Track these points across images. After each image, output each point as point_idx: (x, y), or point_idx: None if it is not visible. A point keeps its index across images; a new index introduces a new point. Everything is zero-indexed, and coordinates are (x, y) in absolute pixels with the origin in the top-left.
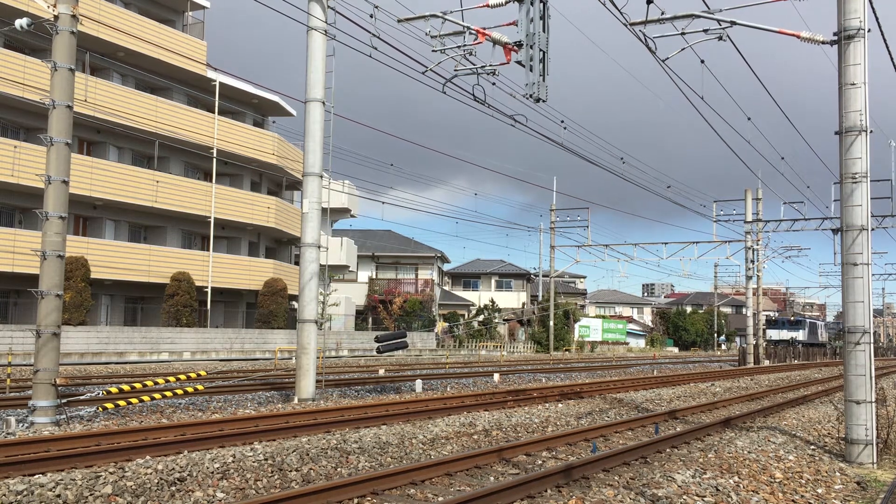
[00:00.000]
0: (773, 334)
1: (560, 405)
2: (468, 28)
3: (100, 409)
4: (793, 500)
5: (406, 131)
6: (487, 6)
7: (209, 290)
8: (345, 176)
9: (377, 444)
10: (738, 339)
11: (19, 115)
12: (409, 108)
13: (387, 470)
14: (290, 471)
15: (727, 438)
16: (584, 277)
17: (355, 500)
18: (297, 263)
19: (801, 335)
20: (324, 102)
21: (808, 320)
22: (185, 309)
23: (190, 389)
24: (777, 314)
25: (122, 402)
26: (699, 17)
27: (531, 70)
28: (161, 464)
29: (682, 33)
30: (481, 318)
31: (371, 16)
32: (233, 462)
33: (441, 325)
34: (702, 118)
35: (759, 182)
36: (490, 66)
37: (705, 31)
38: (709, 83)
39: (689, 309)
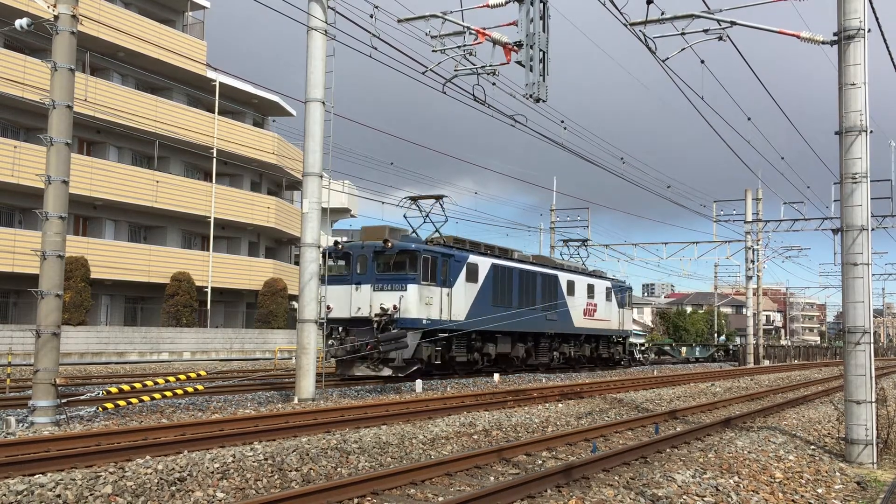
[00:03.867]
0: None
1: (560, 405)
2: (468, 28)
3: (100, 409)
4: (793, 500)
5: (409, 132)
6: (487, 6)
7: (209, 290)
8: (345, 176)
9: (377, 444)
10: (737, 339)
11: (19, 115)
12: (412, 110)
13: (387, 470)
14: (290, 471)
15: (727, 438)
16: None
17: (355, 500)
18: (297, 263)
19: (410, 299)
20: (324, 102)
21: (453, 254)
22: (185, 309)
23: (190, 389)
24: (341, 243)
25: (122, 402)
26: (699, 17)
27: (531, 70)
28: (161, 464)
29: (682, 33)
30: None
31: (371, 16)
32: (233, 462)
33: None
34: (702, 118)
35: (759, 182)
36: (490, 66)
37: (705, 31)
38: (709, 83)
39: (689, 309)
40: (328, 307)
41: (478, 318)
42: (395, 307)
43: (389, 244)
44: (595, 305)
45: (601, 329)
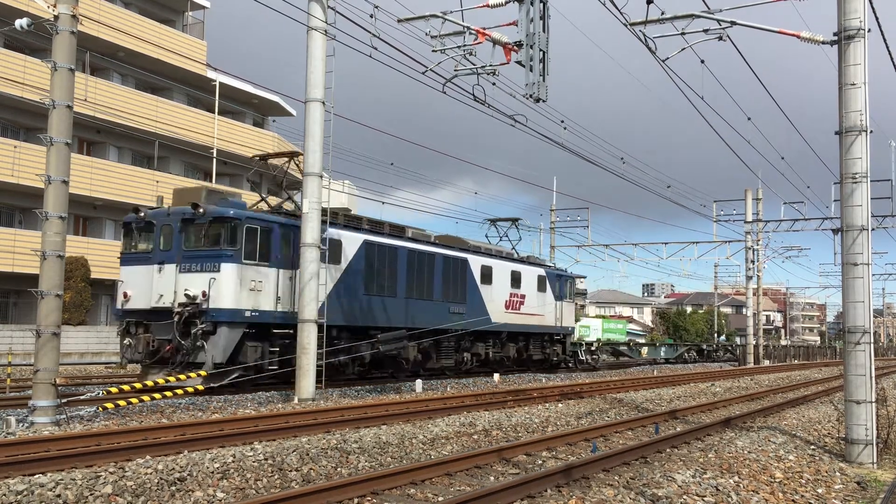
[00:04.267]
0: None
1: (560, 405)
2: (468, 28)
3: (100, 408)
4: (793, 500)
5: (409, 132)
6: (487, 6)
7: None
8: (345, 176)
9: (377, 444)
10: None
11: (19, 115)
12: (412, 110)
13: (387, 470)
14: (290, 471)
15: (727, 438)
16: (585, 277)
17: (355, 500)
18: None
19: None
20: (324, 102)
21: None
22: None
23: (190, 389)
24: (143, 210)
25: (122, 402)
26: (699, 17)
27: (531, 70)
28: (161, 464)
29: (682, 33)
30: None
31: (371, 16)
32: (233, 462)
33: None
34: (702, 118)
35: (759, 182)
36: (490, 66)
37: (705, 31)
38: (709, 83)
39: (689, 309)
40: (124, 294)
41: (339, 311)
42: (203, 294)
43: (200, 210)
44: (522, 297)
45: (531, 325)
